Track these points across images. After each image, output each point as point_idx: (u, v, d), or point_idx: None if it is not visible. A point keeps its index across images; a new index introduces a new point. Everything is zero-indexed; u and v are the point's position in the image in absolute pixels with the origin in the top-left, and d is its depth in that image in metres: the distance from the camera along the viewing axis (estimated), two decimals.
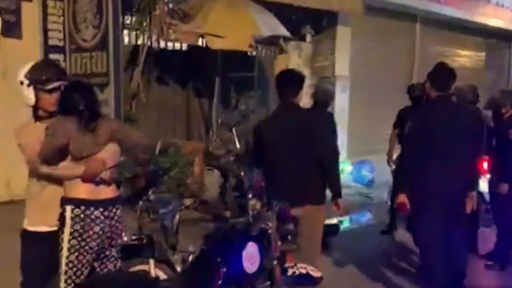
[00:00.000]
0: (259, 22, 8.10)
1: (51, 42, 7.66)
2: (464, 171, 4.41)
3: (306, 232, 4.12)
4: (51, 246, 3.31)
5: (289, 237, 3.28)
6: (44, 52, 7.61)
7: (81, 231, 3.22)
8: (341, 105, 10.84)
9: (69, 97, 3.27)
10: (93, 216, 3.24)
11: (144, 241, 4.03)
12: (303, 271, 3.40)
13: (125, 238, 4.06)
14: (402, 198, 4.52)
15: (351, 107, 11.23)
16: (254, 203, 3.20)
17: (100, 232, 3.28)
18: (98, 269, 3.42)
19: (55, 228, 3.33)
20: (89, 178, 3.26)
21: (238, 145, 3.50)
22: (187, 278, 2.95)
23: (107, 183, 3.34)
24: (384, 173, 7.97)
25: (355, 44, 11.21)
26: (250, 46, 7.96)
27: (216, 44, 7.85)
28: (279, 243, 3.16)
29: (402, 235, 6.65)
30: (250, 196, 3.27)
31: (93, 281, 2.77)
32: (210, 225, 6.27)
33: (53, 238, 3.31)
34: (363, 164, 10.62)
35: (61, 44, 7.74)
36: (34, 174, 3.38)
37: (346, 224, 8.21)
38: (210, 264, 2.93)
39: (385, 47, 12.01)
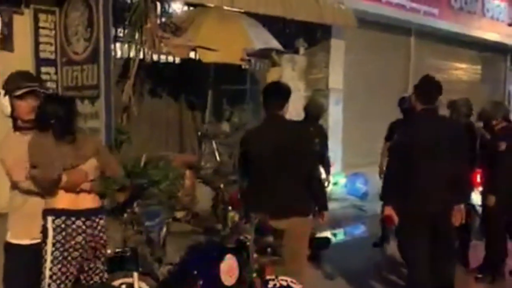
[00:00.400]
0: (251, 35, 8.10)
1: (42, 55, 7.66)
2: (451, 184, 4.36)
3: (291, 245, 4.07)
4: (35, 258, 3.28)
5: (269, 249, 3.24)
6: (36, 64, 7.61)
7: (63, 241, 3.20)
8: (335, 117, 10.85)
9: (42, 109, 3.27)
10: (74, 226, 3.23)
11: (128, 253, 4.01)
12: (284, 283, 3.37)
13: (108, 251, 4.05)
14: (388, 211, 4.49)
15: (345, 119, 11.21)
16: (233, 215, 3.17)
17: (83, 242, 3.26)
18: (83, 281, 3.39)
19: (38, 241, 3.30)
20: (71, 188, 3.25)
21: (218, 158, 3.47)
22: None
23: (88, 192, 3.33)
24: (378, 186, 7.90)
25: (349, 57, 11.20)
26: (242, 59, 7.96)
27: (208, 58, 7.85)
28: (255, 255, 3.11)
29: (394, 248, 6.58)
30: (229, 208, 3.24)
31: None
32: (202, 238, 6.22)
33: (36, 250, 3.29)
34: (357, 177, 10.61)
35: (53, 57, 7.75)
36: (15, 187, 3.36)
37: (339, 236, 8.19)
38: (186, 277, 2.90)
39: (379, 60, 12.00)
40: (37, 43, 7.64)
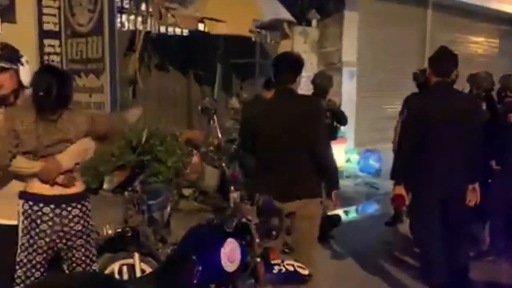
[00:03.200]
0: (260, 6, 7.83)
1: (46, 27, 7.45)
2: (465, 161, 4.12)
3: (300, 227, 3.89)
4: (8, 242, 3.07)
5: (274, 232, 3.02)
6: (39, 37, 7.40)
7: (29, 228, 2.98)
8: (348, 92, 10.58)
9: (34, 80, 3.03)
10: (39, 213, 2.98)
11: (129, 233, 3.84)
12: (290, 268, 3.16)
13: (109, 231, 3.87)
14: (399, 190, 4.25)
15: (358, 94, 10.93)
16: (235, 196, 2.96)
17: (49, 231, 3.00)
18: (66, 271, 3.19)
19: (9, 222, 3.10)
20: (43, 179, 3.01)
21: (219, 134, 3.27)
22: (157, 278, 2.72)
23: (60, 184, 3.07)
24: (391, 163, 7.73)
25: (363, 30, 10.87)
26: (251, 31, 7.70)
27: (216, 29, 7.60)
28: (257, 240, 2.90)
29: (407, 227, 6.37)
30: (232, 188, 3.03)
31: (35, 285, 2.52)
32: (209, 216, 6.04)
33: (8, 233, 3.07)
34: (370, 154, 10.36)
35: (57, 29, 7.54)
36: None
37: (351, 214, 8.00)
38: (183, 263, 2.70)
39: (394, 34, 11.65)
40: (40, 14, 7.41)
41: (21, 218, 2.99)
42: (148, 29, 7.79)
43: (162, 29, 8.27)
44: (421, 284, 4.61)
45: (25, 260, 3.00)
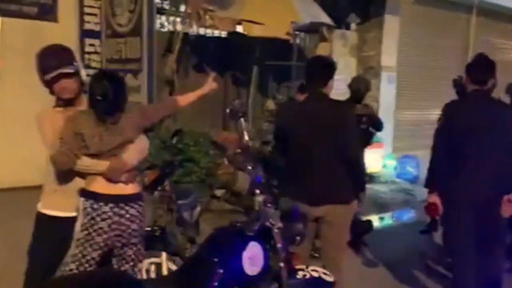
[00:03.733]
0: (299, 8, 7.79)
1: (87, 26, 7.62)
2: (500, 172, 3.98)
3: (328, 233, 3.84)
4: (61, 232, 3.18)
5: (298, 238, 2.99)
6: (80, 36, 7.56)
7: (87, 225, 3.07)
8: (386, 97, 10.43)
9: (90, 85, 3.11)
10: (99, 211, 3.07)
11: (157, 233, 3.86)
12: (315, 274, 3.12)
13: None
14: (433, 198, 4.15)
15: (397, 99, 10.77)
16: (259, 200, 2.94)
17: (107, 229, 3.08)
18: (116, 267, 3.26)
19: (67, 214, 3.20)
20: (110, 177, 3.11)
21: (246, 137, 3.24)
22: (177, 279, 2.72)
23: (124, 182, 3.17)
24: None
25: (404, 34, 10.71)
26: (289, 34, 7.67)
27: (254, 31, 7.60)
28: (280, 245, 2.87)
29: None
30: (257, 192, 3.01)
31: (60, 280, 2.56)
32: (242, 218, 6.04)
33: (64, 224, 3.18)
34: (408, 160, 10.19)
35: (98, 28, 7.68)
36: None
37: (385, 221, 7.87)
38: (205, 265, 2.69)
39: (436, 38, 11.43)
40: (81, 14, 7.58)
41: (81, 214, 3.08)
42: (187, 30, 7.82)
43: (200, 31, 8.31)
44: None
45: (79, 255, 3.08)
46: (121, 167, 3.12)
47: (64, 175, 3.18)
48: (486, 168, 3.98)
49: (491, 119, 4.01)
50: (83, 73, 3.28)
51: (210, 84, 3.82)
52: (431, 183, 4.27)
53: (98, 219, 3.06)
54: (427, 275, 5.37)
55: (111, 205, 3.08)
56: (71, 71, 3.18)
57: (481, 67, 4.15)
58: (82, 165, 3.08)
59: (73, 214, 3.17)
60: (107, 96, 3.04)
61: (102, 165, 3.08)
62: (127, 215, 3.12)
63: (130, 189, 3.17)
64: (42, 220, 3.30)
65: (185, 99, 3.67)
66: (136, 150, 3.22)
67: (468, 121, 4.01)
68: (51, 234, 3.25)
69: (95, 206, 3.06)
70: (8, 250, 4.75)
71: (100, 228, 3.06)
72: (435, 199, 4.13)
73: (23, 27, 7.17)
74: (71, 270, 3.10)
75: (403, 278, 5.23)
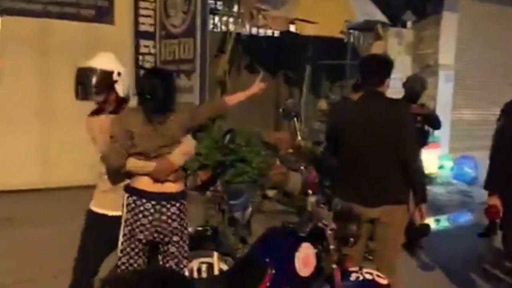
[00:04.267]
0: (353, 6, 7.69)
1: (141, 28, 7.74)
2: None
3: (383, 234, 3.73)
4: (110, 230, 3.23)
5: (351, 239, 2.92)
6: (135, 38, 7.70)
7: (131, 220, 3.12)
8: (444, 96, 10.17)
9: (140, 83, 3.17)
10: (142, 208, 3.11)
11: (209, 232, 3.86)
12: (369, 276, 3.04)
13: (190, 230, 3.92)
14: (493, 200, 3.98)
15: (455, 98, 10.47)
16: (312, 200, 2.89)
17: (148, 225, 3.12)
18: (162, 263, 3.29)
19: (115, 213, 3.25)
20: (156, 178, 3.14)
21: (299, 137, 3.21)
22: (229, 279, 2.71)
23: (171, 181, 3.20)
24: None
25: (462, 32, 10.42)
26: (342, 32, 7.57)
27: (307, 30, 7.56)
28: (332, 246, 2.81)
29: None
30: (310, 192, 2.96)
31: (116, 277, 2.59)
32: (294, 218, 6.00)
33: (113, 223, 3.23)
34: (465, 160, 9.89)
35: (152, 30, 7.80)
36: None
37: (442, 224, 7.66)
38: (257, 265, 2.67)
39: (495, 36, 11.06)
40: (136, 16, 7.71)
41: (125, 210, 3.14)
42: (239, 30, 7.84)
43: (253, 31, 8.31)
44: None
45: (128, 249, 3.15)
46: (168, 167, 3.15)
47: (116, 174, 3.24)
48: None
49: None
50: (120, 86, 3.28)
51: (258, 84, 3.78)
52: (491, 185, 4.11)
53: (140, 215, 3.10)
54: (485, 279, 5.18)
55: (153, 202, 3.11)
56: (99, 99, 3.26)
57: None
58: (132, 166, 3.13)
59: (120, 213, 3.24)
60: (156, 94, 3.06)
61: (150, 166, 3.12)
62: (168, 213, 3.15)
63: (173, 187, 3.19)
64: (91, 218, 3.38)
65: (233, 99, 3.65)
66: (183, 151, 3.24)
67: None
68: (99, 232, 3.33)
69: (138, 202, 3.10)
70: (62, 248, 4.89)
71: (142, 224, 3.11)
72: (496, 201, 3.97)
73: (81, 29, 7.35)
74: (122, 263, 3.17)
75: (460, 283, 5.07)
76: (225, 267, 3.75)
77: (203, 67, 7.13)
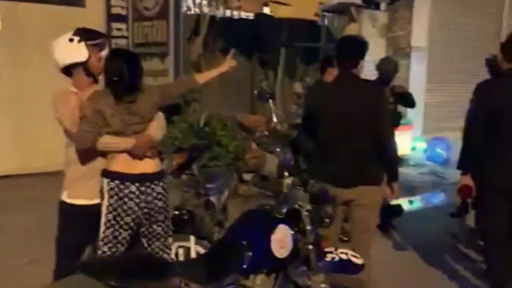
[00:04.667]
0: None
1: (114, 10, 7.62)
2: None
3: (358, 215, 3.78)
4: (89, 219, 3.21)
5: (327, 220, 2.95)
6: (107, 20, 7.58)
7: (115, 205, 3.09)
8: (416, 78, 10.22)
9: (106, 66, 3.13)
10: (127, 191, 3.09)
11: (185, 216, 3.85)
12: (344, 256, 3.07)
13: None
14: (466, 180, 4.05)
15: (427, 80, 10.56)
16: (288, 182, 2.90)
17: (136, 208, 3.11)
18: (146, 245, 3.29)
19: (93, 202, 3.23)
20: (136, 153, 3.12)
21: (275, 119, 3.23)
22: (206, 262, 2.71)
23: (150, 158, 3.19)
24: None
25: (435, 14, 10.47)
26: (317, 14, 7.56)
27: (281, 13, 7.55)
28: (309, 227, 2.84)
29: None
30: (285, 174, 2.97)
31: (91, 264, 2.58)
32: (270, 202, 6.02)
33: (91, 212, 3.21)
34: (438, 142, 10.00)
35: (124, 12, 7.68)
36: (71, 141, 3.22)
37: (415, 204, 7.77)
38: (234, 248, 2.68)
39: (468, 18, 11.14)
40: None
41: (106, 196, 3.09)
42: (213, 13, 7.77)
43: (227, 13, 8.24)
44: (484, 279, 4.43)
45: (110, 237, 3.11)
46: (147, 141, 3.15)
47: (88, 155, 3.19)
48: None
49: None
50: None
51: (229, 61, 3.75)
52: (463, 164, 4.17)
53: (126, 199, 3.08)
54: (457, 258, 5.27)
55: (137, 184, 3.10)
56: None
57: None
58: (108, 142, 3.09)
59: (98, 201, 3.21)
60: (123, 76, 3.06)
61: (128, 141, 3.10)
62: (154, 193, 3.15)
63: (153, 167, 3.19)
64: (69, 211, 3.30)
65: (203, 77, 3.66)
66: (158, 127, 3.25)
67: (505, 101, 3.88)
68: (80, 223, 3.26)
69: (122, 186, 3.08)
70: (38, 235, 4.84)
71: (129, 208, 3.09)
72: (468, 180, 4.03)
73: (51, 12, 7.20)
74: (104, 252, 3.12)
75: (433, 262, 5.14)
76: (202, 251, 3.75)
77: (177, 50, 7.08)
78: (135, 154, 3.11)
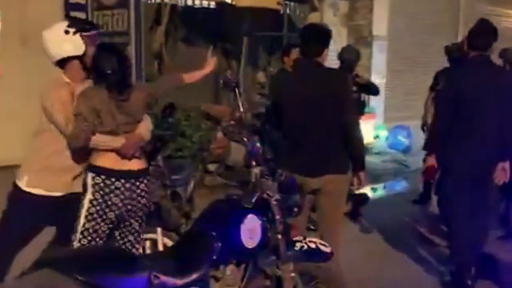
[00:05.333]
0: None
1: None
2: (497, 138, 3.99)
3: (325, 204, 3.79)
4: (45, 211, 3.19)
5: (295, 209, 2.94)
6: (66, 9, 7.37)
7: (100, 200, 3.06)
8: (378, 67, 10.35)
9: (96, 60, 3.03)
10: (112, 187, 3.06)
11: (152, 208, 3.80)
12: (312, 245, 3.07)
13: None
14: (431, 161, 4.15)
15: (388, 69, 10.68)
16: (256, 172, 2.88)
17: (120, 204, 3.09)
18: (118, 238, 3.27)
19: (53, 194, 3.18)
20: (125, 153, 3.08)
21: (241, 108, 3.22)
22: (176, 254, 2.67)
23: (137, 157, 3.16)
24: (421, 140, 7.55)
25: (395, 3, 10.58)
26: (279, 3, 7.54)
27: (243, 1, 7.47)
28: (278, 216, 2.83)
29: (435, 205, 6.24)
30: (253, 163, 2.95)
31: (57, 256, 2.51)
32: (236, 192, 5.99)
33: (49, 203, 3.17)
34: (399, 130, 10.18)
35: (83, 1, 7.50)
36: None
37: (378, 192, 7.87)
38: (202, 239, 2.65)
39: (427, 6, 11.32)
40: None
41: (91, 190, 3.06)
42: (174, 2, 7.67)
43: (189, 2, 8.14)
44: (448, 262, 4.54)
45: (91, 230, 3.08)
46: (137, 141, 3.14)
47: (79, 152, 3.13)
48: (486, 136, 3.99)
49: (495, 85, 4.00)
50: None
51: (211, 60, 3.79)
52: (430, 145, 4.29)
53: (111, 194, 3.06)
54: (422, 243, 5.38)
55: (122, 180, 3.08)
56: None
57: (484, 33, 4.11)
58: (99, 141, 3.04)
59: (59, 193, 3.18)
60: (117, 69, 3.00)
61: (118, 140, 3.06)
62: (138, 190, 3.14)
63: (138, 164, 3.18)
64: (25, 199, 3.21)
65: (190, 77, 3.61)
66: (147, 127, 3.24)
67: (472, 87, 3.99)
68: (32, 212, 3.20)
69: (108, 182, 3.05)
70: None
71: (114, 203, 3.07)
72: (433, 161, 4.14)
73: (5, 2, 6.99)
74: (83, 245, 3.08)
75: (399, 247, 5.23)
76: (169, 243, 3.71)
77: (138, 39, 6.95)
78: (123, 154, 3.08)
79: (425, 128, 6.78)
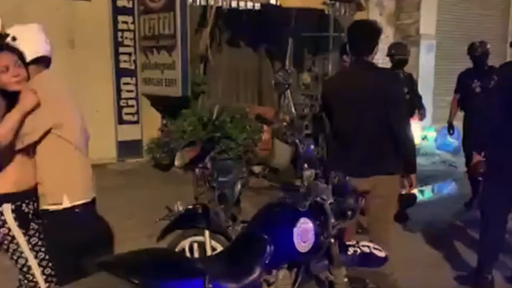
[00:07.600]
0: None
1: (119, 3, 7.52)
2: None
3: (376, 206, 3.69)
4: None
5: (349, 212, 2.86)
6: (113, 13, 7.48)
7: None
8: (426, 66, 10.12)
9: None
10: None
11: (199, 210, 3.77)
12: (366, 250, 3.00)
13: (180, 208, 3.83)
14: (478, 157, 4.02)
15: (437, 69, 10.43)
16: (309, 174, 2.82)
17: None
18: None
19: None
20: None
21: (293, 109, 3.16)
22: (227, 257, 2.64)
23: None
24: None
25: (443, 1, 10.32)
26: (324, 3, 7.45)
27: (287, 2, 7.42)
28: (332, 220, 2.76)
29: None
30: (305, 166, 2.88)
31: (113, 260, 2.48)
32: (280, 195, 5.93)
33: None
34: None
35: (130, 5, 7.59)
36: None
37: (426, 194, 7.69)
38: (254, 242, 2.61)
39: (477, 5, 11.01)
40: None
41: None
42: (220, 4, 7.67)
43: (234, 4, 8.12)
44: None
45: None
46: None
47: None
48: None
49: None
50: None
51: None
52: (478, 143, 4.25)
53: None
54: (471, 245, 5.19)
55: None
56: None
57: None
58: None
59: None
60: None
61: None
62: None
63: None
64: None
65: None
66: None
67: None
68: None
69: None
70: None
71: None
72: (480, 158, 4.09)
73: (55, 5, 7.11)
74: None
75: (448, 251, 5.10)
76: (217, 245, 3.68)
77: (184, 42, 6.97)
78: None
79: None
